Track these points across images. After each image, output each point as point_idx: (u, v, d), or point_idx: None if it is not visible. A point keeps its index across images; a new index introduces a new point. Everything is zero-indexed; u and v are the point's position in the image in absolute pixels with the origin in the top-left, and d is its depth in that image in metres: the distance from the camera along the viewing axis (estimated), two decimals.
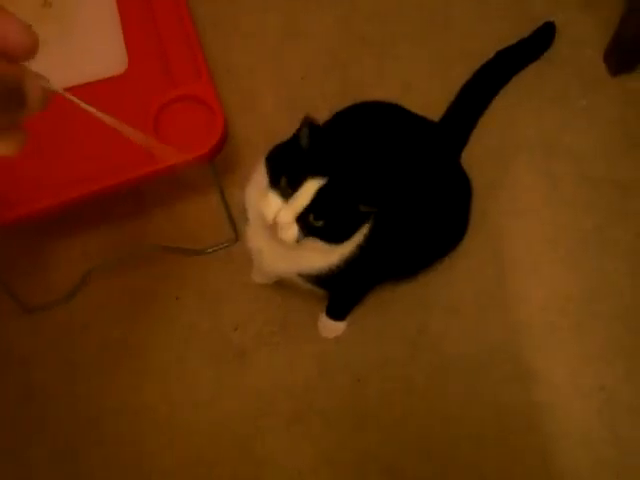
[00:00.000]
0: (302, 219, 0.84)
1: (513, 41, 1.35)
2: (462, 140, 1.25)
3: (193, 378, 1.17)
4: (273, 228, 0.86)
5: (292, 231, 0.85)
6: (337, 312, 1.19)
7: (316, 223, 0.85)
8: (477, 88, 1.30)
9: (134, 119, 1.08)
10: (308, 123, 0.86)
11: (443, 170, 1.10)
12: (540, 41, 1.37)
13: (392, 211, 0.93)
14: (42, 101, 0.41)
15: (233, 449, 1.12)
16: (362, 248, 0.91)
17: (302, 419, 1.14)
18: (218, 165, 1.11)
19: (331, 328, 1.20)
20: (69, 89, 0.43)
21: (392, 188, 0.92)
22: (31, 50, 0.40)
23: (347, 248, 0.91)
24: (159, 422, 1.14)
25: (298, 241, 0.86)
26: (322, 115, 1.14)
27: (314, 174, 0.83)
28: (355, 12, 1.44)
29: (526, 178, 1.28)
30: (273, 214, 0.85)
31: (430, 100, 1.24)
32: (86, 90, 1.05)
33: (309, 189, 0.83)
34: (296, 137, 0.88)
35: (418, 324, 1.19)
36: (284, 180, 0.84)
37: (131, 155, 1.00)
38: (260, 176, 0.89)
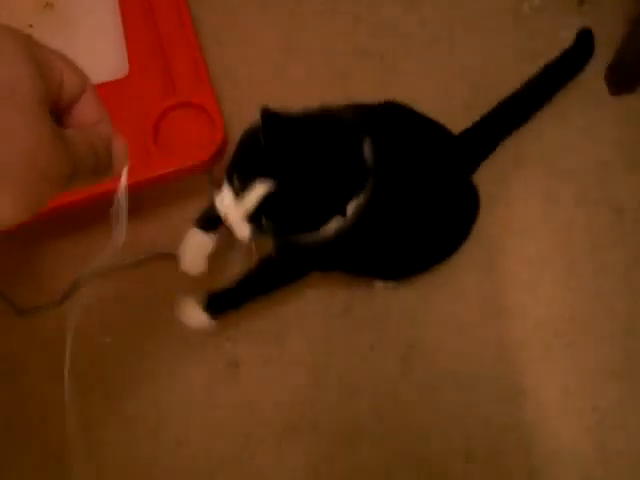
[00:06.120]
0: (254, 219, 0.80)
1: (514, 57, 1.36)
2: (481, 156, 1.20)
3: (184, 387, 1.16)
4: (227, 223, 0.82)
5: (244, 230, 0.82)
6: (221, 304, 1.05)
7: (267, 225, 0.81)
8: (516, 105, 1.23)
9: (133, 124, 1.08)
10: (265, 115, 0.78)
11: (446, 182, 1.06)
12: (582, 52, 1.30)
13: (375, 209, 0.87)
14: (125, 161, 0.46)
15: (223, 461, 1.11)
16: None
17: (293, 431, 1.13)
18: (215, 172, 1.11)
19: (196, 318, 1.05)
20: None
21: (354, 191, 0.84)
22: (84, 90, 0.41)
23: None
24: (148, 431, 1.13)
25: (253, 237, 0.82)
26: None
27: (264, 176, 0.77)
28: (358, 26, 1.44)
29: (525, 196, 1.27)
30: (224, 211, 0.81)
31: (432, 114, 1.24)
32: None
33: (257, 192, 0.78)
34: (254, 131, 0.81)
35: (410, 339, 1.19)
36: (236, 177, 0.80)
37: (131, 160, 0.99)
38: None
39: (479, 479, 1.10)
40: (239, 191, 0.79)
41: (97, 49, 1.10)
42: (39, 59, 0.36)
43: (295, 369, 1.17)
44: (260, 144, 0.79)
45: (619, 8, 1.40)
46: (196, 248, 1.01)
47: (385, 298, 1.21)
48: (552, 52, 1.32)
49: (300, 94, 1.37)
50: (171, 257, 1.22)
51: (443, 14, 1.44)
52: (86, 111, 0.42)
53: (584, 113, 1.32)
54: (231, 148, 1.24)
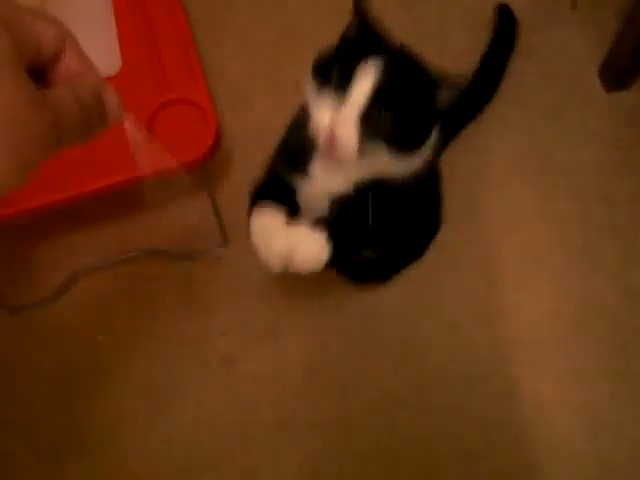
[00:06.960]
0: (365, 120, 0.72)
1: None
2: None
3: (177, 383, 1.16)
4: (328, 143, 0.73)
5: (352, 137, 0.72)
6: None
7: (384, 118, 0.73)
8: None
9: None
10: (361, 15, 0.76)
11: None
12: (507, 30, 1.32)
13: None
14: (118, 110, 0.45)
15: (216, 458, 1.11)
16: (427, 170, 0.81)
17: (287, 428, 1.12)
18: (209, 168, 1.10)
19: None
20: None
21: None
22: (64, 43, 0.41)
23: (417, 160, 0.79)
24: (141, 429, 1.12)
25: (360, 152, 0.74)
26: None
27: (371, 55, 0.72)
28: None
29: (518, 192, 1.27)
30: (328, 120, 0.73)
31: None
32: None
33: (368, 75, 0.72)
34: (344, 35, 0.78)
35: (403, 337, 1.18)
36: (336, 72, 0.74)
37: (120, 158, 0.99)
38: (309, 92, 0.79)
39: (477, 476, 1.10)
40: (342, 86, 0.73)
41: (89, 44, 1.06)
42: (9, 21, 0.35)
43: (289, 366, 1.17)
44: (349, 41, 0.78)
45: (612, 4, 1.40)
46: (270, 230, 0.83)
47: (377, 295, 1.20)
48: (545, 48, 1.32)
49: (293, 87, 1.36)
50: (165, 254, 1.22)
51: (435, 12, 1.44)
52: (70, 64, 0.41)
53: (579, 109, 1.31)
54: (227, 144, 1.25)
